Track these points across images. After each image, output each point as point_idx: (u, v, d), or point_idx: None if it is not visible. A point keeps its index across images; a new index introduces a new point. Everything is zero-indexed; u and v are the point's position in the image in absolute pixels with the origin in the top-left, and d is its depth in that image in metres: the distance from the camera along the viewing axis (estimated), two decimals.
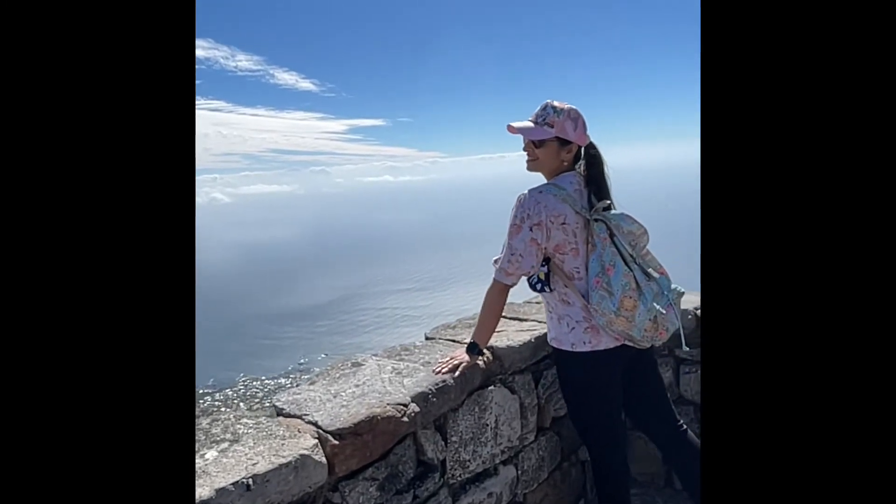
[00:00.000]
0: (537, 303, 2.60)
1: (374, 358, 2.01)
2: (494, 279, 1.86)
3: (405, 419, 1.57)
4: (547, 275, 1.83)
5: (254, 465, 1.26)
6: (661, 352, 2.46)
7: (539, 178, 1.89)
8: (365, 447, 1.49)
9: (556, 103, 1.81)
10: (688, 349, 1.86)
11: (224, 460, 1.28)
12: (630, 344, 1.80)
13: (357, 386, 1.72)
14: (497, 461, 2.00)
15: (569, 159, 1.84)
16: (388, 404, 1.57)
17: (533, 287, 1.88)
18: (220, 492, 1.16)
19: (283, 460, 1.29)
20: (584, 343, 1.81)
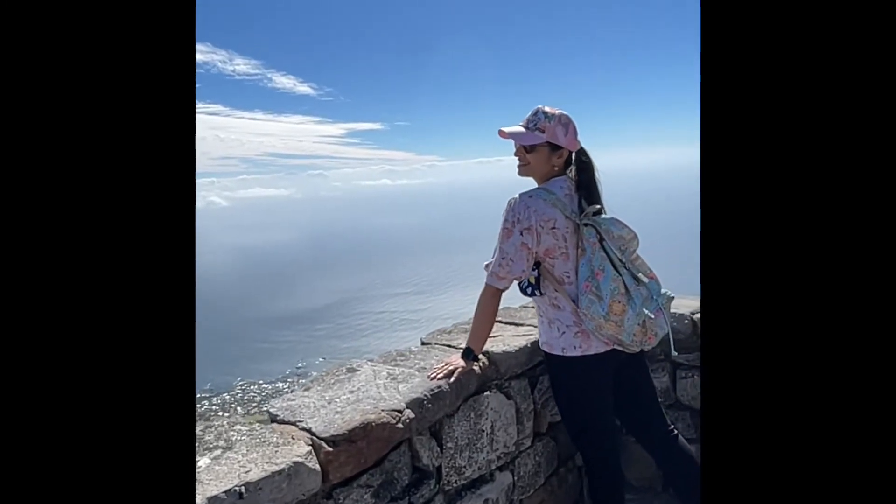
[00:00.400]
0: (533, 307, 2.59)
1: (369, 363, 2.00)
2: (486, 283, 1.86)
3: (400, 425, 1.56)
4: (537, 279, 1.83)
5: (246, 472, 1.25)
6: (658, 356, 2.45)
7: (532, 183, 1.90)
8: (359, 454, 1.48)
9: (547, 109, 1.81)
10: (676, 354, 1.85)
11: (216, 468, 1.27)
12: (620, 348, 1.80)
13: (352, 392, 1.71)
14: (493, 467, 1.99)
15: (559, 164, 1.84)
16: (382, 410, 1.56)
17: (523, 291, 1.88)
18: (213, 500, 1.15)
19: (277, 468, 1.28)
20: (575, 348, 1.81)
